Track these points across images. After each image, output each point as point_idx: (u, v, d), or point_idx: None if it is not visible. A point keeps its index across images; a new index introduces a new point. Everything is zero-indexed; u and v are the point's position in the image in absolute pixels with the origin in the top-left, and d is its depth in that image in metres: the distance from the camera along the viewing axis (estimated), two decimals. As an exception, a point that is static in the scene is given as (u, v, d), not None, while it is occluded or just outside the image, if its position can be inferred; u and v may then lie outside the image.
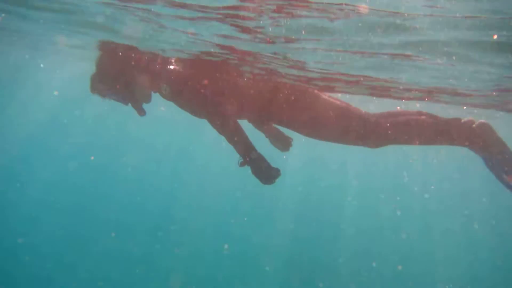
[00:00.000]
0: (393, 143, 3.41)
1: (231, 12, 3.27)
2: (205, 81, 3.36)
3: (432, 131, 3.27)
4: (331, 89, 5.63)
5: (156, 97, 3.54)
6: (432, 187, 26.98)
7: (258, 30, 3.57)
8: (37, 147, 24.44)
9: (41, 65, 14.11)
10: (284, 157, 3.88)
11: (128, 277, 12.74)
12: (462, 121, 3.26)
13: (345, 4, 2.75)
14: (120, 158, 24.63)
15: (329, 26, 3.25)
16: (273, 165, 3.21)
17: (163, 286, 12.98)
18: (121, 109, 3.69)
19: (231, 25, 3.57)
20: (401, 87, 5.30)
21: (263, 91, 3.57)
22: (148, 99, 3.48)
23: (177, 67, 3.42)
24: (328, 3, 2.80)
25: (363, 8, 2.78)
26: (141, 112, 3.43)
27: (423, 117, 3.32)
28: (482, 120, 3.24)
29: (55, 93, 20.22)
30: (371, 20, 3.03)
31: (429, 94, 5.65)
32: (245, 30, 3.63)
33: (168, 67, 3.44)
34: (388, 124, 3.30)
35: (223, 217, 19.41)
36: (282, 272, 14.61)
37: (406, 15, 2.84)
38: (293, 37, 3.63)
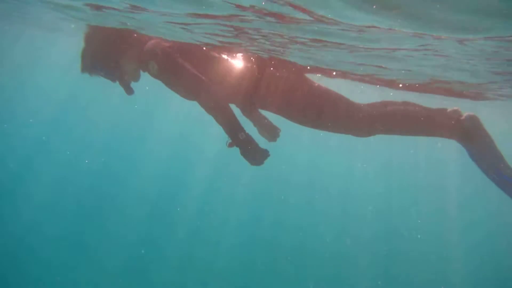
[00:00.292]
0: (380, 133, 3.41)
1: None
2: (192, 59, 3.36)
3: (419, 121, 3.27)
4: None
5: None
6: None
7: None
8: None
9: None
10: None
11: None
12: (449, 110, 3.25)
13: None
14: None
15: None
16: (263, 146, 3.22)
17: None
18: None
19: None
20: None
21: (254, 73, 3.57)
22: (136, 78, 3.49)
23: (165, 44, 3.40)
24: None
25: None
26: (129, 90, 3.43)
27: (410, 107, 3.32)
28: (470, 113, 3.23)
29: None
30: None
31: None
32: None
33: (156, 43, 3.41)
34: (375, 113, 3.31)
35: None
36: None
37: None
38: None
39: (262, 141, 3.45)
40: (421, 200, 24.96)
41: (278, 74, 3.64)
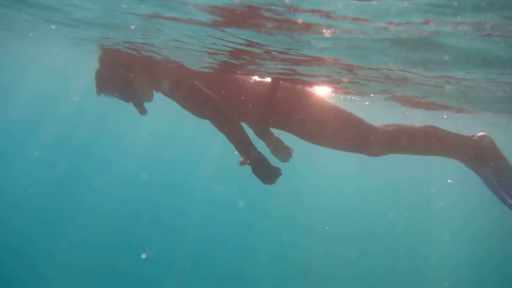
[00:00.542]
0: (392, 153, 3.41)
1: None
2: (205, 81, 3.38)
3: (433, 142, 3.25)
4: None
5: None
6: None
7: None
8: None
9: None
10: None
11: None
12: (464, 134, 3.25)
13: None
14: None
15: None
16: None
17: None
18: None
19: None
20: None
21: (265, 91, 3.57)
22: (149, 98, 3.51)
23: (177, 64, 3.44)
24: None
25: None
26: (143, 111, 3.45)
27: (424, 128, 3.33)
28: (484, 133, 3.22)
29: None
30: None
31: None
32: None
33: (169, 64, 3.46)
34: (389, 134, 3.31)
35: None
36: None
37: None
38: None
39: (274, 161, 3.44)
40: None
41: (291, 94, 3.65)
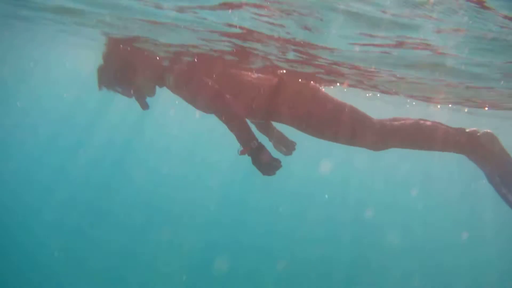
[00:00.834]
0: (395, 147, 3.40)
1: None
2: (210, 74, 3.39)
3: (434, 136, 3.26)
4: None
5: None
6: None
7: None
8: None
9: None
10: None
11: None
12: (467, 130, 3.25)
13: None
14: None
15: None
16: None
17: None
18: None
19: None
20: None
21: (270, 84, 3.57)
22: (152, 93, 3.53)
23: (181, 58, 3.45)
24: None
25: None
26: (145, 106, 3.47)
27: (427, 123, 3.33)
28: (487, 130, 3.22)
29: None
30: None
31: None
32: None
33: (172, 58, 3.46)
34: (392, 128, 3.32)
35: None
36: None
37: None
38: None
39: (276, 155, 3.43)
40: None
41: (294, 86, 3.64)
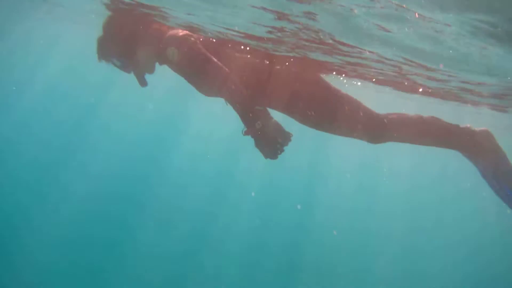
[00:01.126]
0: (392, 140, 3.40)
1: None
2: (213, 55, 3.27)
3: (432, 131, 3.28)
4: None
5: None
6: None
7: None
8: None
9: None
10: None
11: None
12: (463, 126, 3.27)
13: None
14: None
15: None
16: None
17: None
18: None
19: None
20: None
21: (264, 68, 3.52)
22: (151, 70, 3.47)
23: (186, 32, 3.33)
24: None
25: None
26: (143, 82, 3.42)
27: (426, 117, 3.35)
28: (484, 128, 3.24)
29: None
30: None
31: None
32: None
33: (177, 31, 3.34)
34: (389, 120, 3.32)
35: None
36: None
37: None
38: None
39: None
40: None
41: (291, 71, 3.61)
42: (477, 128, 3.24)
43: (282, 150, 3.17)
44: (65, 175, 17.84)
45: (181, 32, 3.28)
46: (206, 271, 13.38)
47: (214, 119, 26.11)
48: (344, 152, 24.46)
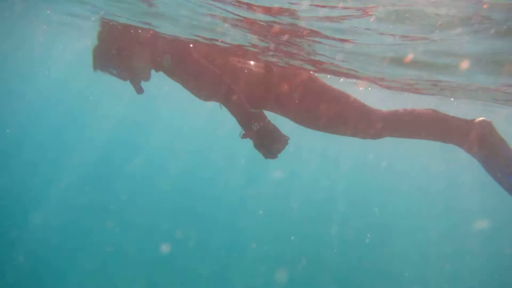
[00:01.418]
0: (391, 136, 3.38)
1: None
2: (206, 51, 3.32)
3: (430, 123, 3.25)
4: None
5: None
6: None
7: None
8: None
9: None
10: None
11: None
12: (463, 118, 3.23)
13: None
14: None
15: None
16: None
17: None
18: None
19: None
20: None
21: (264, 74, 3.53)
22: (147, 77, 3.46)
23: (179, 39, 3.35)
24: None
25: None
26: (139, 90, 3.41)
27: (423, 111, 3.31)
28: (484, 118, 3.20)
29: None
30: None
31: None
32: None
33: (170, 39, 3.37)
34: (384, 114, 3.31)
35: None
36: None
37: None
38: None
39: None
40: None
41: (286, 73, 3.60)
42: (478, 118, 3.18)
43: (281, 149, 3.17)
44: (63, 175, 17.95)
45: (174, 39, 3.30)
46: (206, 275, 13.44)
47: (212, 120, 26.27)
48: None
